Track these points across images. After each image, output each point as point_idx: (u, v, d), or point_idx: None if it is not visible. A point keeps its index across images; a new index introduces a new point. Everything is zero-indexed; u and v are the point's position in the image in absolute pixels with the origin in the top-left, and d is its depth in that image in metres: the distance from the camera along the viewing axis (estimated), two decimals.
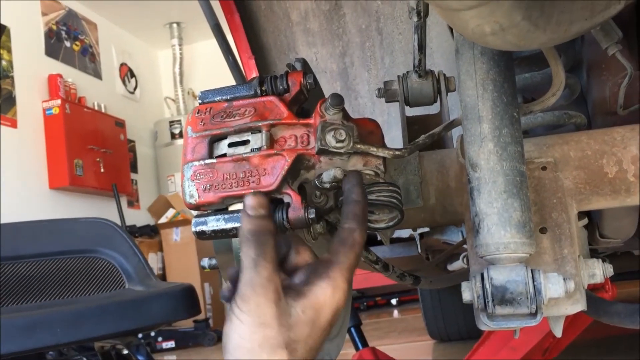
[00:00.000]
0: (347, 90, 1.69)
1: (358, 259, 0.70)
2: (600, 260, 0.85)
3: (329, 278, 0.66)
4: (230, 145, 0.81)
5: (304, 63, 0.92)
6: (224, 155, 0.80)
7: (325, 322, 0.66)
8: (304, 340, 0.64)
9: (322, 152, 0.78)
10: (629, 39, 1.09)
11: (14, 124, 5.70)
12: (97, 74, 7.20)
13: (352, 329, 2.48)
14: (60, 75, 6.30)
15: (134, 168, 7.56)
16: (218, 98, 0.85)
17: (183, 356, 5.37)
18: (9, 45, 5.79)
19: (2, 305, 1.61)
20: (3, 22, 5.69)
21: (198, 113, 0.83)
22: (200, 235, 0.79)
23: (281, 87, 0.83)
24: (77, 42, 6.89)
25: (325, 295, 0.65)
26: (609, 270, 0.85)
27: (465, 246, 1.21)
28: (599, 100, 1.11)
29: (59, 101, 6.06)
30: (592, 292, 1.23)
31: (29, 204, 5.67)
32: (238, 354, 0.62)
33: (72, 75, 6.60)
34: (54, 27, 6.54)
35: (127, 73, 7.83)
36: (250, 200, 0.68)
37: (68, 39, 6.73)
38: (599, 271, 0.84)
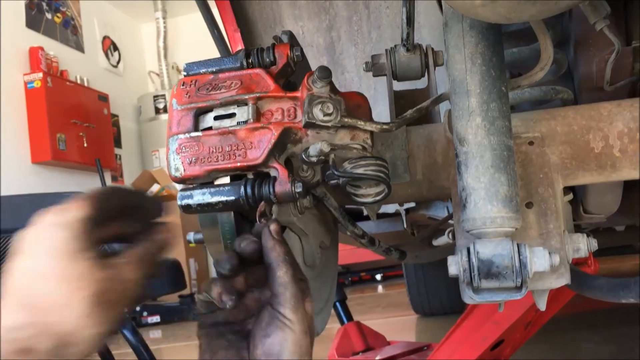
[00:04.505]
0: (333, 64, 1.68)
1: None
2: (584, 234, 0.86)
3: (308, 301, 0.73)
4: (216, 118, 0.80)
5: (291, 36, 0.91)
6: (210, 128, 0.80)
7: None
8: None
9: (310, 125, 0.78)
10: (616, 14, 1.09)
11: None
12: (80, 47, 7.09)
13: (337, 304, 2.50)
14: (41, 48, 6.19)
15: (117, 143, 7.50)
16: (203, 70, 0.83)
17: (168, 331, 5.39)
18: None
19: None
20: None
21: (183, 85, 0.82)
22: (186, 209, 0.78)
23: (268, 60, 0.82)
24: (59, 14, 6.77)
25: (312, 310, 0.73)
26: (594, 244, 0.85)
27: (450, 221, 1.21)
28: (586, 76, 1.11)
29: (40, 74, 5.97)
30: (576, 267, 1.24)
31: (11, 178, 5.61)
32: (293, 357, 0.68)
33: (53, 48, 6.49)
34: None
35: (109, 46, 7.72)
36: (275, 228, 0.72)
37: (49, 11, 6.61)
38: (583, 246, 0.84)
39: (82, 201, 0.66)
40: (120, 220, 0.70)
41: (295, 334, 0.68)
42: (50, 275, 0.61)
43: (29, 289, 0.61)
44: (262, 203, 0.76)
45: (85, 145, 6.50)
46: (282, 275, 0.69)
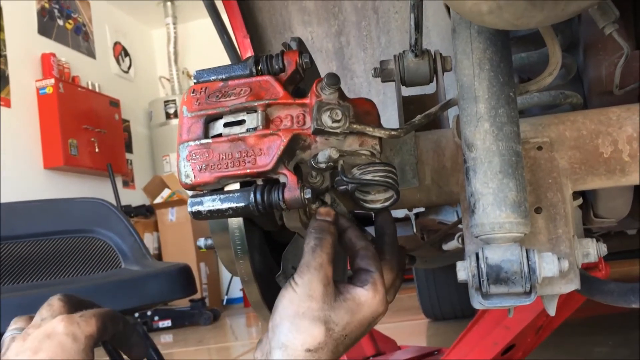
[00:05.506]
0: (342, 70, 1.69)
1: (399, 278, 0.86)
2: (594, 239, 0.85)
3: (371, 284, 0.77)
4: (226, 125, 0.81)
5: (300, 42, 0.91)
6: (220, 135, 0.80)
7: (364, 318, 0.75)
8: (342, 325, 0.73)
9: (318, 132, 0.78)
10: (625, 18, 1.08)
11: (7, 104, 5.67)
12: (91, 53, 7.14)
13: None
14: (53, 54, 6.25)
15: (128, 148, 7.54)
16: (213, 77, 0.84)
17: (179, 335, 5.41)
18: (1, 24, 5.74)
19: (0, 285, 1.61)
20: None
21: (193, 93, 0.83)
22: (196, 215, 0.79)
23: (277, 67, 0.82)
24: (70, 21, 6.83)
25: (367, 296, 0.75)
26: (603, 249, 0.85)
27: (460, 226, 1.21)
28: (595, 80, 1.11)
29: (52, 80, 6.02)
30: (586, 271, 1.23)
31: (23, 184, 5.65)
32: (284, 314, 0.73)
33: (65, 54, 6.54)
34: (47, 5, 6.47)
35: (121, 52, 7.77)
36: (322, 210, 0.81)
37: (61, 17, 6.67)
38: (592, 250, 0.84)
39: (92, 318, 0.73)
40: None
41: (295, 294, 0.73)
42: None
43: None
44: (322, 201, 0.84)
45: (96, 150, 6.54)
46: (304, 245, 0.77)
